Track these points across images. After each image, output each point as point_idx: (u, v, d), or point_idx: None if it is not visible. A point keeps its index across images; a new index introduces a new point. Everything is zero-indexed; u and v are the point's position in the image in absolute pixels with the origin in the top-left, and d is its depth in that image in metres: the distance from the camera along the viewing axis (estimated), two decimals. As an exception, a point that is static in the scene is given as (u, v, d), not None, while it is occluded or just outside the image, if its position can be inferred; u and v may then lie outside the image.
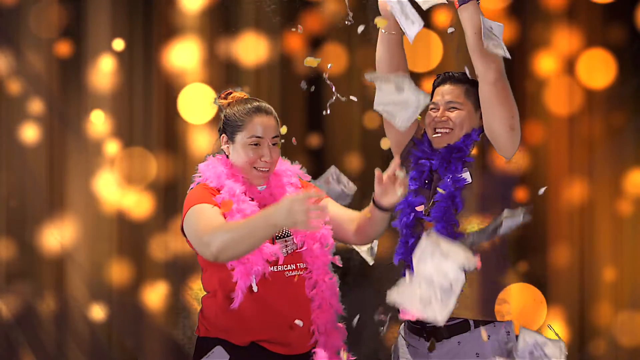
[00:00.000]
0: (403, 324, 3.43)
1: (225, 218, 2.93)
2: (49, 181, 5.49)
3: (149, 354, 5.55)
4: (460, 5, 3.15)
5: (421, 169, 3.36)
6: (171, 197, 5.45)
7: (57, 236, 5.43)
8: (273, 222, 2.73)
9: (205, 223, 2.88)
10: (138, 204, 5.50)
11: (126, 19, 5.49)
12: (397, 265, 3.36)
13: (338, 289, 3.10)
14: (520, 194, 3.35)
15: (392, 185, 2.98)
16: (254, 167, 3.07)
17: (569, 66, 5.27)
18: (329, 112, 3.40)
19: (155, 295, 5.51)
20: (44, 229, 5.44)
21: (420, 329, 3.33)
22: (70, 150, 5.48)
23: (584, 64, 5.26)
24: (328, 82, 3.35)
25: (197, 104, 5.40)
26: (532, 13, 5.30)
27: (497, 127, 3.21)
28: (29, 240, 5.44)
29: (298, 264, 3.04)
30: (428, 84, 3.71)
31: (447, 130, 3.34)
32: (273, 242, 2.99)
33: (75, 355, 5.46)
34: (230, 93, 3.17)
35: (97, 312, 5.49)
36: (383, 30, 3.32)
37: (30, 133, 5.44)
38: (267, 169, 3.08)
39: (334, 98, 3.33)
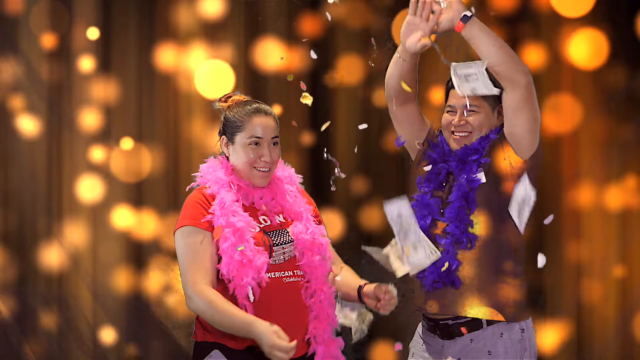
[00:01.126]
0: (420, 323, 3.47)
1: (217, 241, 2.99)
2: (48, 186, 5.50)
3: (152, 356, 5.58)
4: (464, 24, 3.15)
5: (437, 171, 3.39)
6: (170, 195, 5.48)
7: (60, 244, 5.45)
8: (251, 336, 2.90)
9: (192, 263, 2.97)
10: (136, 203, 5.53)
11: (129, 18, 5.54)
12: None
13: (335, 300, 3.13)
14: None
15: (383, 299, 3.09)
16: (254, 167, 3.07)
17: (559, 56, 5.28)
18: (334, 188, 3.56)
19: (156, 295, 5.54)
20: (43, 231, 5.47)
21: (434, 326, 3.37)
22: (69, 154, 5.50)
23: (575, 45, 5.25)
24: (331, 158, 3.40)
25: (214, 81, 5.46)
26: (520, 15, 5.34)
27: (521, 129, 3.26)
28: (29, 244, 5.46)
29: (295, 271, 3.05)
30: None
31: (466, 134, 3.37)
32: (271, 250, 3.01)
33: (76, 355, 5.47)
34: (230, 96, 3.20)
35: (99, 313, 5.51)
36: (398, 55, 3.35)
37: (28, 135, 5.47)
38: (267, 169, 3.08)
39: (336, 173, 3.39)
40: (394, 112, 3.47)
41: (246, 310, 2.92)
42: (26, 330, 5.40)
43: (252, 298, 2.93)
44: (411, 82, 3.39)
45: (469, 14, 3.15)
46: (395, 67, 3.38)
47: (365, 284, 3.14)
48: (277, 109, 3.18)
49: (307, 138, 5.55)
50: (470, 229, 3.27)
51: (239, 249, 2.93)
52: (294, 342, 2.86)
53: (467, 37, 3.17)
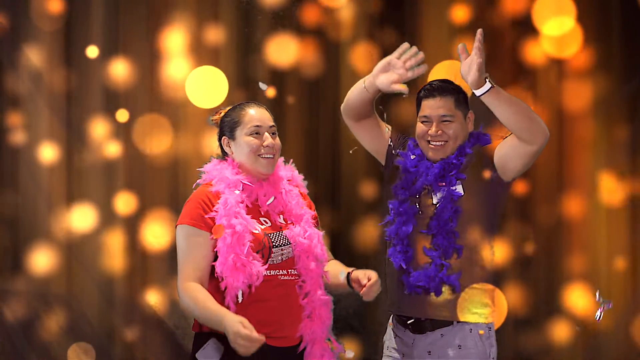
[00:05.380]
0: (392, 316, 3.55)
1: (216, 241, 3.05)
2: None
3: (150, 352, 5.61)
4: (487, 91, 3.20)
5: (411, 179, 3.47)
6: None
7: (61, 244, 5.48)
8: (221, 328, 2.93)
9: (186, 264, 3.05)
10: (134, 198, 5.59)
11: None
12: (398, 270, 3.45)
13: (332, 302, 3.17)
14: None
15: (366, 286, 3.14)
16: (259, 156, 3.14)
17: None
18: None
19: (155, 292, 5.58)
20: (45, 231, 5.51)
21: (405, 321, 3.46)
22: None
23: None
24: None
25: (206, 88, 5.37)
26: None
27: (517, 166, 3.38)
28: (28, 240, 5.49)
29: (290, 270, 3.12)
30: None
31: (442, 143, 3.45)
32: (270, 251, 3.07)
33: (78, 354, 5.50)
34: (220, 110, 3.28)
35: (98, 309, 5.57)
36: (363, 84, 3.43)
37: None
38: (271, 155, 3.15)
39: None
40: (353, 127, 3.59)
41: (228, 309, 2.98)
42: (27, 330, 5.41)
43: (240, 299, 3.00)
44: (367, 112, 3.51)
45: (487, 87, 3.19)
46: (356, 95, 3.47)
47: (352, 270, 3.19)
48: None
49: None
50: (457, 240, 3.37)
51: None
52: (262, 337, 2.86)
53: (489, 101, 3.23)
